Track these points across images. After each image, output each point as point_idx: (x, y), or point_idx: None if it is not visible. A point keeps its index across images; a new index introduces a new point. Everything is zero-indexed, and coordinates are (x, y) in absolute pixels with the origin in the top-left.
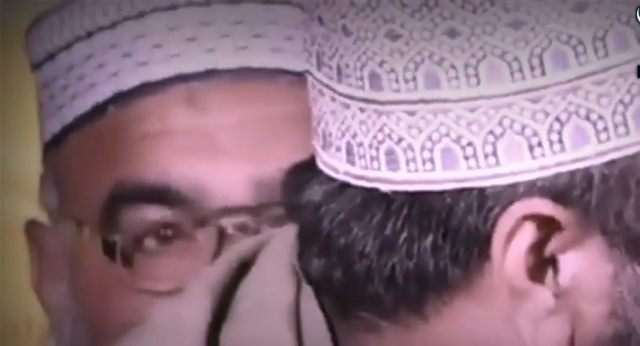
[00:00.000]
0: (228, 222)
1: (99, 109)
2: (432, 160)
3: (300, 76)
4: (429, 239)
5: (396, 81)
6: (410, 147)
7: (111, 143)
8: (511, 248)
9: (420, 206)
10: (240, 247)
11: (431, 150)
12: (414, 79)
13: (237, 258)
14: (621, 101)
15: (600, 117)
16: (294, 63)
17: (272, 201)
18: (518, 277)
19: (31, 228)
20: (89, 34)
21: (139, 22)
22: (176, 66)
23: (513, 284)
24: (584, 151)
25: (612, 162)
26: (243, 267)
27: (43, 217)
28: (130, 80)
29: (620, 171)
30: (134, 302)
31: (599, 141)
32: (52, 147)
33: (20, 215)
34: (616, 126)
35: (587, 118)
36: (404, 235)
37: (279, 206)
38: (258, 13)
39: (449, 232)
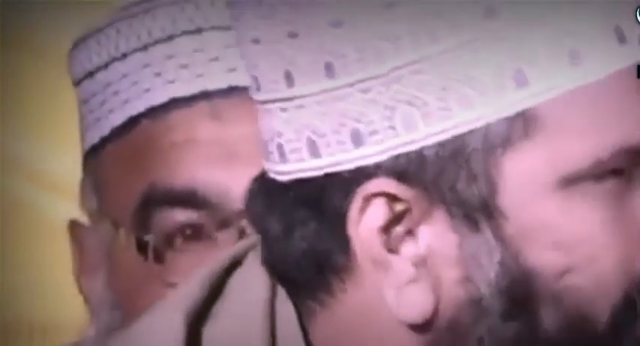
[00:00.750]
0: (247, 223)
1: (132, 122)
2: (300, 151)
3: None
4: (313, 224)
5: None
6: (288, 141)
7: (143, 152)
8: (363, 224)
9: (303, 193)
10: (234, 248)
11: (299, 141)
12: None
13: (230, 257)
14: (444, 88)
15: (425, 103)
16: None
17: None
18: (375, 250)
19: (73, 227)
20: (124, 55)
21: (168, 45)
22: (201, 83)
23: (372, 257)
24: (414, 135)
25: (442, 142)
26: (235, 266)
27: (83, 218)
28: (160, 96)
29: (450, 149)
30: (164, 294)
31: (427, 125)
32: (91, 156)
33: (61, 215)
34: (440, 110)
35: (413, 104)
36: (297, 221)
37: None
38: None
39: (324, 216)
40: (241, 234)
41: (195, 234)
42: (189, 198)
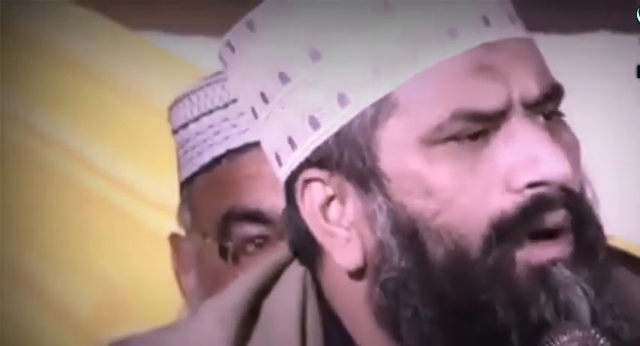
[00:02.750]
0: None
1: (216, 161)
2: (278, 158)
3: None
4: (294, 215)
5: None
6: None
7: (224, 183)
8: (306, 204)
9: (287, 192)
10: (273, 257)
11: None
12: None
13: (273, 263)
14: (327, 94)
15: (319, 108)
16: None
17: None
18: (320, 222)
19: (173, 238)
20: (210, 111)
21: (231, 111)
22: None
23: (320, 229)
24: (319, 132)
25: (337, 132)
26: (281, 270)
27: (180, 231)
28: (236, 142)
29: (341, 137)
30: None
31: (324, 123)
32: (186, 185)
33: (165, 229)
34: (329, 110)
35: (313, 110)
36: (290, 217)
37: None
38: None
39: (290, 204)
40: None
41: (262, 242)
42: (258, 217)
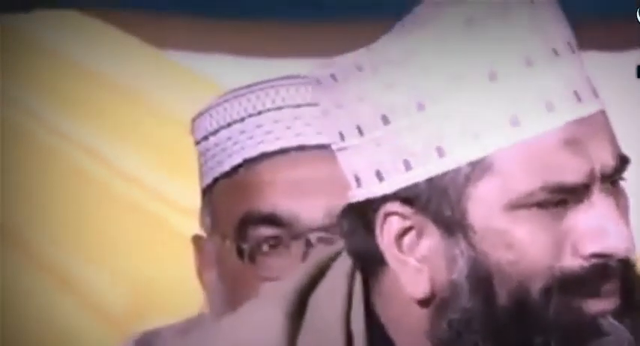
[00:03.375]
0: (312, 236)
1: (234, 169)
2: (358, 180)
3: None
4: (361, 231)
5: None
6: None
7: (241, 189)
8: (384, 234)
9: (358, 211)
10: (319, 254)
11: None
12: None
13: (312, 266)
14: (426, 143)
15: (414, 154)
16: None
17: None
18: (393, 251)
19: (196, 239)
20: (228, 125)
21: (257, 118)
22: (279, 144)
23: (393, 257)
24: (411, 174)
25: (429, 179)
26: (322, 271)
27: (202, 232)
28: (252, 152)
29: (434, 183)
30: (255, 284)
31: (417, 167)
32: (207, 191)
33: (188, 231)
34: (425, 157)
35: (410, 154)
36: (356, 228)
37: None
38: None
39: (370, 227)
40: (307, 243)
41: (276, 243)
42: (273, 220)
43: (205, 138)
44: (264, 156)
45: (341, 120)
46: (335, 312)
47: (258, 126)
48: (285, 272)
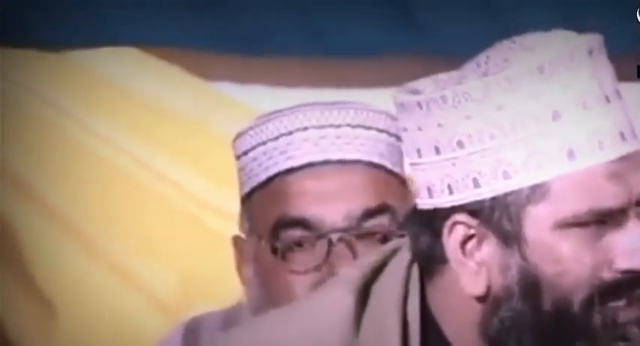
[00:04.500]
0: (334, 236)
1: (269, 180)
2: (430, 191)
3: (356, 163)
4: (427, 234)
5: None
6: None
7: (274, 198)
8: (451, 239)
9: (425, 217)
10: (377, 252)
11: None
12: None
13: (374, 260)
14: (495, 165)
15: (483, 174)
16: (359, 154)
17: (357, 225)
18: (457, 254)
19: (236, 239)
20: (264, 143)
21: (287, 137)
22: (307, 158)
23: (456, 259)
24: (478, 191)
25: (493, 197)
26: (382, 266)
27: (241, 234)
28: (284, 166)
29: (497, 200)
30: (287, 279)
31: (484, 186)
32: (246, 199)
33: (229, 232)
34: (492, 179)
35: (479, 174)
36: (421, 232)
37: (359, 229)
38: (350, 132)
39: (435, 231)
40: (329, 242)
41: (304, 242)
42: (301, 223)
43: (245, 153)
44: (294, 170)
45: (420, 140)
46: (394, 297)
47: (289, 144)
48: (311, 267)
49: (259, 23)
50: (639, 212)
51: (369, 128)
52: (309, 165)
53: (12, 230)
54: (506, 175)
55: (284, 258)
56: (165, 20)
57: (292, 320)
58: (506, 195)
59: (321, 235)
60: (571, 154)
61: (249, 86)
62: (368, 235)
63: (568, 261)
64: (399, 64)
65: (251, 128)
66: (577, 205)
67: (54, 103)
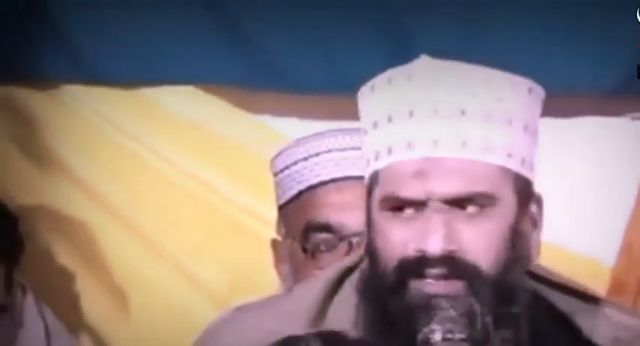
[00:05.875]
0: (353, 239)
1: (300, 193)
2: None
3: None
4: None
5: None
6: None
7: (305, 207)
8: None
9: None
10: (349, 258)
11: None
12: None
13: (343, 266)
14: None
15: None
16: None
17: None
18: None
19: (274, 242)
20: (295, 163)
21: (316, 158)
22: (330, 175)
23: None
24: (374, 164)
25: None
26: (352, 269)
27: (278, 237)
28: (313, 181)
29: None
30: (314, 273)
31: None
32: (282, 209)
33: (268, 236)
34: (375, 159)
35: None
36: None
37: None
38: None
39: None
40: (349, 244)
41: (329, 244)
42: (327, 228)
43: (281, 171)
44: (321, 184)
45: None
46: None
47: (316, 164)
48: (334, 263)
49: (291, 60)
50: (440, 208)
51: None
52: (333, 180)
53: (92, 235)
54: (377, 157)
55: (313, 257)
56: (216, 61)
57: (269, 313)
58: (375, 172)
59: (342, 238)
60: (390, 150)
61: (283, 118)
62: None
63: (386, 239)
64: None
65: (285, 150)
66: (387, 190)
67: (127, 131)
